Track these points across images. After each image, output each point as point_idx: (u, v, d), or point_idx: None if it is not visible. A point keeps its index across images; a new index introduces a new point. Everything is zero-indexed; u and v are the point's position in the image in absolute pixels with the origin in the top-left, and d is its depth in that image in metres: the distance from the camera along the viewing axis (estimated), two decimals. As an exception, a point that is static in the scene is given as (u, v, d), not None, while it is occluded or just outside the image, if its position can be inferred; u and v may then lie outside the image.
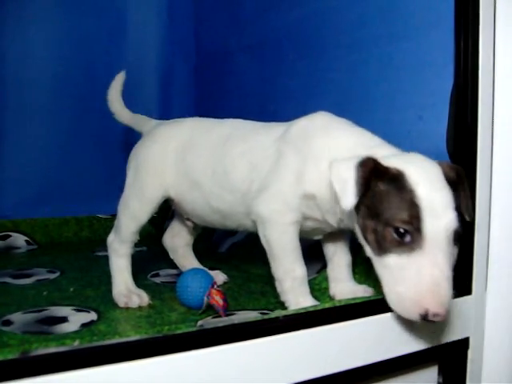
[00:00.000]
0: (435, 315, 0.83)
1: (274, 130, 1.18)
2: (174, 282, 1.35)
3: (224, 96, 1.97)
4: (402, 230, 0.87)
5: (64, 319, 1.15)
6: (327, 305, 1.06)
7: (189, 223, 1.42)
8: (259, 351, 0.90)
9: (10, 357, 0.74)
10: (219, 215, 1.24)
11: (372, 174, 0.91)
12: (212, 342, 0.86)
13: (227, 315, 1.13)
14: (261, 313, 1.16)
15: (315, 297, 1.26)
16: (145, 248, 1.90)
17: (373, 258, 0.94)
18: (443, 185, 0.90)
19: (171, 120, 1.43)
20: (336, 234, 1.19)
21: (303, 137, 1.09)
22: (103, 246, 1.76)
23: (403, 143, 1.23)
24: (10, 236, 1.95)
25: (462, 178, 0.96)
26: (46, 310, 1.22)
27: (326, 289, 1.29)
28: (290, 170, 1.08)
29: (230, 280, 1.45)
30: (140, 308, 1.21)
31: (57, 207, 1.99)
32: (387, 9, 1.28)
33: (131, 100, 2.09)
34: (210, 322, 1.09)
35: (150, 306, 1.23)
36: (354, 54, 1.37)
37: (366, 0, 1.33)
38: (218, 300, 1.14)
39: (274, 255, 1.10)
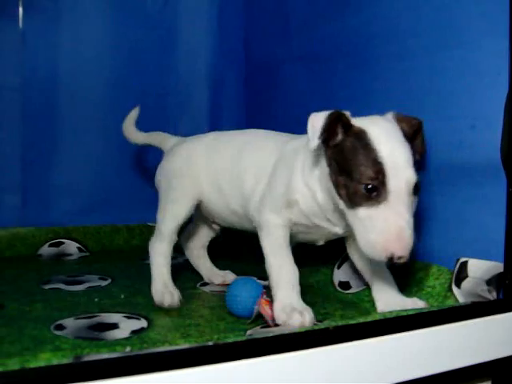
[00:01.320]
0: (399, 258, 0.96)
1: (278, 141, 1.32)
2: (223, 291, 1.35)
3: (274, 106, 1.97)
4: (369, 186, 0.98)
5: (115, 326, 1.16)
6: (377, 316, 1.04)
7: (215, 226, 1.56)
8: (308, 362, 0.90)
9: (65, 361, 0.75)
10: (236, 216, 1.37)
11: (337, 124, 1.04)
12: (261, 352, 0.86)
13: (275, 325, 1.12)
14: (310, 323, 1.15)
15: (365, 308, 1.25)
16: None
17: (345, 211, 1.05)
18: (402, 142, 1.02)
19: (192, 136, 1.55)
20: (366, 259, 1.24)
21: (295, 152, 1.21)
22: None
23: (455, 153, 1.21)
24: (63, 243, 2.00)
25: (418, 130, 1.11)
26: (97, 316, 1.23)
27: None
28: (281, 182, 1.20)
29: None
30: (189, 316, 1.22)
31: (108, 215, 2.03)
32: (439, 17, 1.26)
33: (182, 111, 2.13)
34: (259, 332, 1.09)
35: (199, 314, 1.23)
36: (404, 62, 1.35)
37: (417, 8, 1.31)
38: (267, 310, 1.14)
39: (265, 255, 1.20)
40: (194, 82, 2.19)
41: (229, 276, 1.58)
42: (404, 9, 1.35)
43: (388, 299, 1.21)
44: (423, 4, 1.30)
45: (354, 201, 1.01)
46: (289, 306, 1.11)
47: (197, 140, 1.50)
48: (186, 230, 1.59)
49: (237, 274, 1.57)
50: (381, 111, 1.41)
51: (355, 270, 1.40)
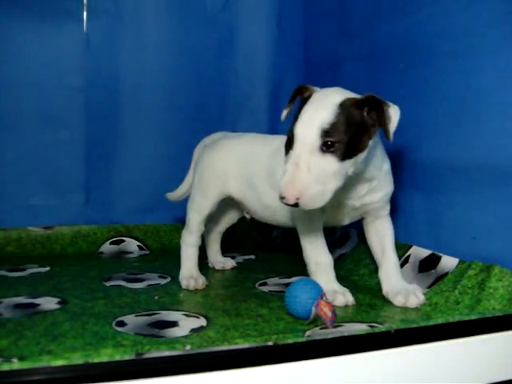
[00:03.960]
0: (289, 201, 1.09)
1: None
2: (282, 292, 1.34)
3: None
4: (288, 138, 1.16)
5: (174, 324, 1.17)
6: (440, 320, 1.02)
7: (247, 215, 1.68)
8: (368, 365, 0.89)
9: (126, 357, 0.76)
10: (270, 210, 1.48)
11: (298, 93, 1.24)
12: (320, 354, 0.85)
13: (334, 327, 1.11)
14: (369, 325, 1.13)
15: (426, 311, 1.23)
16: (253, 256, 1.92)
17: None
18: (326, 107, 1.13)
19: (233, 133, 1.70)
20: (381, 236, 1.37)
21: None
22: (213, 252, 1.79)
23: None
24: (124, 241, 2.03)
25: (373, 109, 1.16)
26: (158, 313, 1.25)
27: (437, 304, 1.25)
28: None
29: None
30: (248, 316, 1.21)
31: (168, 214, 2.05)
32: (502, 12, 1.22)
33: (241, 110, 2.14)
34: (318, 333, 1.07)
35: (257, 314, 1.23)
36: (466, 61, 1.31)
37: (480, 4, 1.27)
38: (326, 311, 1.13)
39: (301, 243, 1.37)
40: (254, 82, 2.19)
41: (228, 263, 1.74)
42: (465, 6, 1.32)
43: (392, 282, 1.32)
44: (484, 1, 1.26)
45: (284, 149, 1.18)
46: (331, 290, 1.30)
47: (235, 139, 1.61)
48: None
49: (296, 275, 1.56)
50: (442, 109, 1.39)
51: (416, 273, 1.38)
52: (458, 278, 1.26)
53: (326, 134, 1.10)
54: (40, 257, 1.88)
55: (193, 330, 1.12)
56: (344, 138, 1.11)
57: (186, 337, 1.08)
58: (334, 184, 1.12)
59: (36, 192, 1.96)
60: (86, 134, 1.99)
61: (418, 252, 1.45)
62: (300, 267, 1.50)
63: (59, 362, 0.76)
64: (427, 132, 1.44)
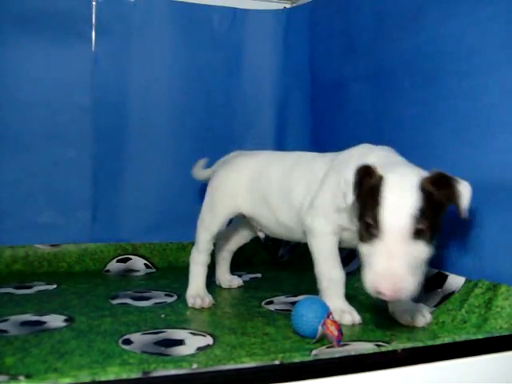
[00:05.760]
0: (386, 295, 1.04)
1: (326, 157, 1.44)
2: (288, 310, 1.34)
3: (339, 125, 1.96)
4: (368, 224, 1.10)
5: (181, 342, 1.17)
6: (446, 339, 1.02)
7: (261, 234, 1.71)
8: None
9: (133, 375, 0.76)
10: (284, 228, 1.49)
11: (364, 177, 1.15)
12: (327, 373, 0.85)
13: (341, 346, 1.11)
14: (376, 344, 1.13)
15: (433, 330, 1.22)
16: (259, 275, 1.92)
17: (358, 246, 1.16)
18: (409, 190, 1.10)
19: (247, 152, 1.68)
20: None
21: (345, 162, 1.32)
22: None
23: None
24: (130, 259, 2.03)
25: (444, 187, 1.12)
26: (164, 332, 1.25)
27: (444, 323, 1.25)
28: (330, 188, 1.33)
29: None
30: (254, 335, 1.21)
31: (175, 233, 2.05)
32: (507, 32, 1.23)
33: (248, 130, 2.15)
34: (324, 352, 1.07)
35: (264, 333, 1.23)
36: (472, 80, 1.32)
37: (485, 24, 1.28)
38: (332, 330, 1.13)
39: (315, 259, 1.36)
40: (260, 101, 2.20)
41: (234, 282, 1.74)
42: (470, 26, 1.33)
43: (399, 301, 1.28)
44: (489, 21, 1.27)
45: (359, 237, 1.15)
46: (339, 309, 1.30)
47: (246, 157, 1.62)
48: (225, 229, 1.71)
49: (302, 293, 1.56)
50: (447, 128, 1.40)
51: (422, 293, 1.38)
52: (464, 296, 1.26)
53: (416, 220, 1.07)
54: (47, 274, 1.89)
55: (199, 349, 1.12)
56: (431, 222, 1.09)
57: (192, 355, 1.08)
58: (422, 271, 1.10)
59: (43, 210, 1.97)
60: (93, 153, 2.00)
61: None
62: (306, 285, 1.50)
63: (66, 380, 0.76)
64: (434, 151, 1.45)
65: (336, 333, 1.12)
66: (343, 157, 1.37)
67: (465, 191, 1.12)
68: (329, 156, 1.44)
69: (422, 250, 1.08)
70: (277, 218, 1.49)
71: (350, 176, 1.15)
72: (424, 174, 1.15)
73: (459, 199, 1.11)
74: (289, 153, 1.60)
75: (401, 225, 1.07)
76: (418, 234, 1.07)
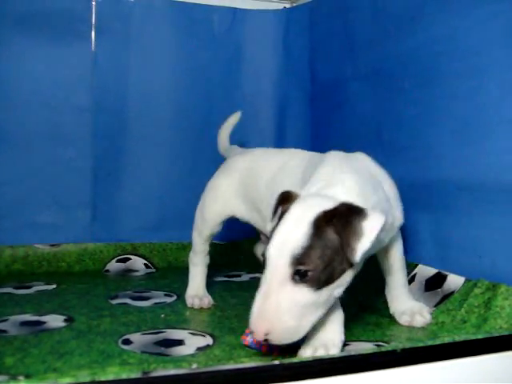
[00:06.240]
0: (256, 338, 0.96)
1: (307, 160, 1.32)
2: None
3: (339, 125, 1.96)
4: (263, 257, 1.00)
5: (180, 342, 1.17)
6: (446, 339, 1.02)
7: (262, 237, 1.67)
8: (375, 384, 0.88)
9: (133, 375, 0.76)
10: None
11: (282, 204, 1.06)
12: (327, 373, 0.85)
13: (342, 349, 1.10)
14: (376, 345, 1.13)
15: (432, 330, 1.22)
16: (259, 275, 1.90)
17: None
18: (299, 226, 0.97)
19: (243, 150, 1.66)
20: (390, 256, 1.30)
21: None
22: (219, 271, 1.80)
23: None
24: (130, 259, 2.03)
25: (338, 223, 0.97)
26: (163, 332, 1.25)
27: (444, 323, 1.25)
28: None
29: (344, 310, 1.43)
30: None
31: (175, 233, 2.05)
32: (508, 32, 1.23)
33: (247, 129, 2.15)
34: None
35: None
36: (471, 80, 1.32)
37: (485, 24, 1.28)
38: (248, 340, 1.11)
39: None
40: (260, 101, 2.21)
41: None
42: (470, 26, 1.33)
43: (399, 302, 1.31)
44: (489, 21, 1.27)
45: None
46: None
47: (238, 161, 1.56)
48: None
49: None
50: (446, 129, 1.39)
51: (422, 292, 1.38)
52: (464, 296, 1.26)
53: (297, 261, 0.95)
54: (46, 274, 1.89)
55: (199, 349, 1.13)
56: (319, 265, 0.95)
57: (192, 355, 1.08)
58: (311, 316, 0.97)
59: (43, 210, 1.97)
60: (92, 153, 2.00)
61: (424, 271, 1.44)
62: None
63: (66, 380, 0.76)
64: (434, 151, 1.45)
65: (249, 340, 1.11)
66: (311, 168, 1.22)
67: (367, 229, 0.96)
68: (311, 158, 1.33)
69: (303, 295, 0.95)
70: (266, 222, 1.39)
71: (273, 201, 1.09)
72: (330, 205, 0.99)
73: (354, 238, 0.96)
74: (279, 151, 1.52)
75: (280, 264, 0.96)
76: (300, 276, 0.95)
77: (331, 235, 0.97)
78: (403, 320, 1.28)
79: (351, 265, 0.99)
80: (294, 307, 0.95)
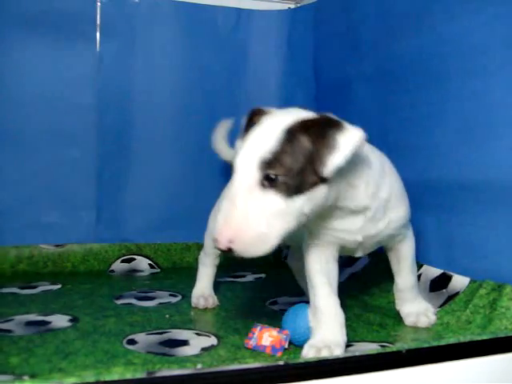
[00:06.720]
0: (219, 245, 0.92)
1: None
2: (293, 311, 1.34)
3: (343, 125, 1.96)
4: (232, 166, 0.96)
5: (185, 342, 1.17)
6: (451, 340, 1.01)
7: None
8: (380, 385, 0.88)
9: (138, 375, 0.76)
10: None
11: (253, 119, 1.03)
12: (331, 373, 0.85)
13: (348, 346, 1.10)
14: (380, 345, 1.13)
15: (437, 331, 1.22)
16: (263, 275, 1.92)
17: None
18: (269, 133, 0.94)
19: None
20: (399, 256, 1.28)
21: None
22: (224, 271, 1.79)
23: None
24: (135, 259, 2.04)
25: (313, 133, 0.94)
26: (168, 332, 1.25)
27: (449, 323, 1.25)
28: None
29: (348, 310, 1.43)
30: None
31: (179, 233, 2.05)
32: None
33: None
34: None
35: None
36: (477, 80, 1.31)
37: (490, 25, 1.28)
38: (263, 342, 1.11)
39: None
40: (264, 101, 2.18)
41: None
42: (475, 26, 1.32)
43: (405, 302, 1.30)
44: (495, 21, 1.27)
45: None
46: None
47: None
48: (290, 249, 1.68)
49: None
50: (453, 129, 1.39)
51: (427, 293, 1.38)
52: (469, 297, 1.26)
53: (266, 165, 0.92)
54: (51, 274, 1.89)
55: (204, 349, 1.13)
56: (289, 171, 0.92)
57: (196, 356, 1.08)
58: (280, 226, 0.93)
59: (48, 210, 1.97)
60: (97, 153, 2.00)
61: (429, 271, 1.44)
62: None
63: (71, 380, 0.76)
64: (437, 151, 1.44)
65: (267, 343, 1.10)
66: None
67: (343, 143, 0.94)
68: None
69: (272, 201, 0.92)
70: None
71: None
72: (310, 116, 0.98)
73: (327, 150, 0.93)
74: None
75: (249, 169, 0.93)
76: (268, 181, 0.92)
77: (305, 143, 0.94)
78: (408, 321, 1.28)
79: (324, 179, 0.95)
80: (261, 214, 0.92)
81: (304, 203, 0.95)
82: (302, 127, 0.95)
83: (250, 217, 0.91)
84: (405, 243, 1.27)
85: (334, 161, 0.92)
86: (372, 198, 1.09)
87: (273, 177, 0.92)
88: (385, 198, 1.12)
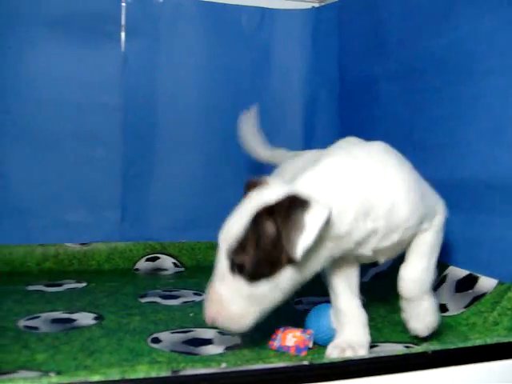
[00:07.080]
0: (207, 322, 1.00)
1: None
2: (317, 310, 1.34)
3: (369, 124, 1.95)
4: None
5: (209, 341, 1.18)
6: (477, 342, 1.00)
7: None
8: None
9: (162, 374, 0.76)
10: None
11: (247, 192, 1.05)
12: (356, 374, 0.84)
13: (372, 347, 1.09)
14: (406, 346, 1.12)
15: (463, 332, 1.21)
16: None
17: None
18: (241, 218, 0.97)
19: (295, 153, 1.60)
20: (415, 245, 1.12)
21: None
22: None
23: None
24: (159, 258, 2.04)
25: (278, 217, 0.93)
26: (192, 331, 1.25)
27: (475, 324, 1.23)
28: None
29: (373, 311, 1.42)
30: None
31: (203, 232, 2.05)
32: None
33: (276, 129, 2.14)
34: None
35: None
36: (505, 78, 1.30)
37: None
38: (287, 343, 1.11)
39: None
40: (288, 100, 2.20)
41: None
42: (503, 24, 1.30)
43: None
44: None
45: None
46: None
47: (285, 164, 1.52)
48: None
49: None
50: (480, 127, 1.37)
51: (452, 293, 1.36)
52: (496, 299, 1.24)
53: (234, 253, 0.96)
54: (77, 273, 1.91)
55: (228, 348, 1.13)
56: (252, 258, 0.94)
57: (221, 355, 1.09)
58: (252, 309, 0.99)
59: (73, 209, 1.99)
60: (122, 152, 2.02)
61: (455, 272, 1.43)
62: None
63: (96, 378, 0.77)
64: (464, 150, 1.43)
65: (291, 343, 1.10)
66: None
67: (309, 222, 0.91)
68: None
69: (240, 287, 0.97)
70: None
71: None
72: (273, 198, 0.96)
73: (294, 232, 0.91)
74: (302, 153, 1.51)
75: (221, 255, 0.99)
76: (237, 268, 0.96)
77: (269, 229, 0.94)
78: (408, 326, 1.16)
79: (292, 261, 0.94)
80: (232, 298, 0.98)
81: (269, 288, 0.97)
82: (267, 212, 0.95)
83: (224, 301, 0.98)
84: (427, 232, 1.12)
85: (303, 242, 0.91)
86: (374, 220, 1.03)
87: (239, 264, 0.96)
88: (388, 208, 1.03)
